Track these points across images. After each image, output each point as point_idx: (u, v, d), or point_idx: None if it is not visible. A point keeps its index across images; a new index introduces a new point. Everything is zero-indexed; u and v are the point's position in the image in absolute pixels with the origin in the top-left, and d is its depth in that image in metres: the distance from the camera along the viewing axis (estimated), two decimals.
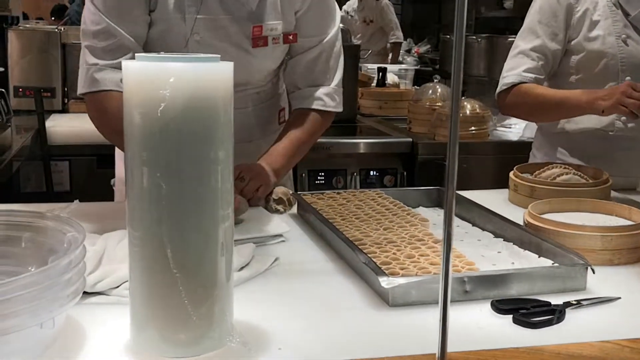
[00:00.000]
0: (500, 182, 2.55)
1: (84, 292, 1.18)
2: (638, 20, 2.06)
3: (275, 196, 1.77)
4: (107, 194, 2.15)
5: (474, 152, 3.23)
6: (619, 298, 1.26)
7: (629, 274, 1.41)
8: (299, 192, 1.83)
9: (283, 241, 1.56)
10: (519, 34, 2.15)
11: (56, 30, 3.21)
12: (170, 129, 0.95)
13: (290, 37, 1.83)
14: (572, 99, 2.00)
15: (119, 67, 1.67)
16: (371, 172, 3.21)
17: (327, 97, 1.89)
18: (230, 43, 1.76)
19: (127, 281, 1.12)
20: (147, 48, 1.75)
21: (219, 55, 1.01)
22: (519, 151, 3.29)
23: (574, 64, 2.09)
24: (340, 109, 1.94)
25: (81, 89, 1.72)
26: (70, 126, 3.05)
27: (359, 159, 3.23)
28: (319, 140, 3.08)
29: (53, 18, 8.42)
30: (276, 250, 1.48)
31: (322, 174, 3.15)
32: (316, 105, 1.89)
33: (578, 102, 1.98)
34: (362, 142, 3.25)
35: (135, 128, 0.97)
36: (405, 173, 3.21)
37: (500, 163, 3.29)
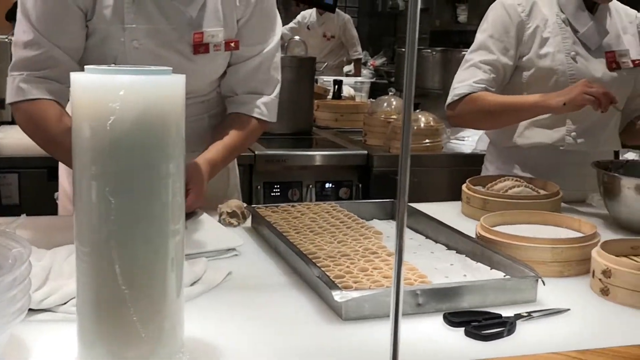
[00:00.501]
0: (454, 194, 2.57)
1: (30, 309, 1.16)
2: (586, 37, 2.09)
3: (228, 209, 1.75)
4: (57, 208, 2.12)
5: (427, 165, 3.26)
6: (569, 309, 1.28)
7: (578, 285, 1.43)
8: (253, 205, 1.82)
9: (236, 255, 1.55)
10: (471, 47, 2.17)
11: (6, 40, 3.13)
12: (120, 142, 0.94)
13: (232, 45, 1.82)
14: (527, 102, 2.02)
15: (47, 78, 1.66)
16: (327, 185, 3.21)
17: (265, 106, 1.89)
18: (171, 50, 1.75)
19: (74, 297, 1.09)
20: (85, 57, 1.72)
21: (171, 68, 1.01)
22: (472, 164, 3.32)
23: (525, 80, 2.11)
24: (274, 120, 1.93)
25: (9, 98, 1.70)
26: (19, 138, 2.97)
27: (315, 171, 3.23)
28: (274, 152, 3.12)
29: (10, 21, 8.32)
30: (229, 265, 1.46)
31: (278, 186, 3.14)
32: (256, 113, 1.87)
33: (535, 101, 1.99)
34: (317, 155, 3.24)
35: (84, 141, 0.95)
36: (360, 185, 3.22)
37: (454, 175, 3.33)
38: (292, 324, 1.21)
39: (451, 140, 3.48)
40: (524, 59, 2.10)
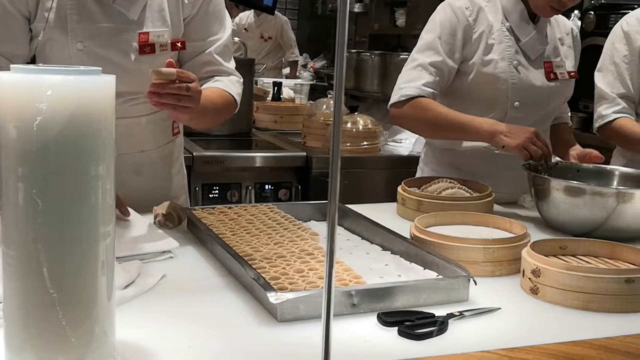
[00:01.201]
0: (392, 195, 2.59)
1: None
2: (527, 47, 2.11)
3: (164, 211, 1.73)
4: None
5: (365, 167, 3.28)
6: (499, 308, 1.30)
7: (509, 284, 1.45)
8: (188, 207, 1.80)
9: (171, 257, 1.53)
10: (417, 47, 2.15)
11: None
12: (48, 144, 0.91)
13: (179, 45, 1.81)
14: (473, 126, 1.99)
15: None
16: (266, 186, 3.21)
17: (232, 85, 1.89)
18: (116, 51, 1.73)
19: (1, 302, 1.06)
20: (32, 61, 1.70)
21: (100, 68, 0.98)
22: (409, 165, 3.35)
23: (468, 84, 2.11)
24: (239, 101, 1.93)
25: None
26: None
27: (254, 172, 3.22)
28: (213, 154, 3.09)
29: None
30: (164, 267, 1.44)
31: (217, 187, 3.12)
32: (220, 85, 1.87)
33: (478, 130, 1.98)
34: (257, 156, 3.23)
35: (11, 142, 0.93)
36: (299, 187, 3.22)
37: (391, 177, 3.35)
38: (228, 326, 1.20)
39: (389, 143, 3.51)
40: (468, 63, 2.09)
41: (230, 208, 1.80)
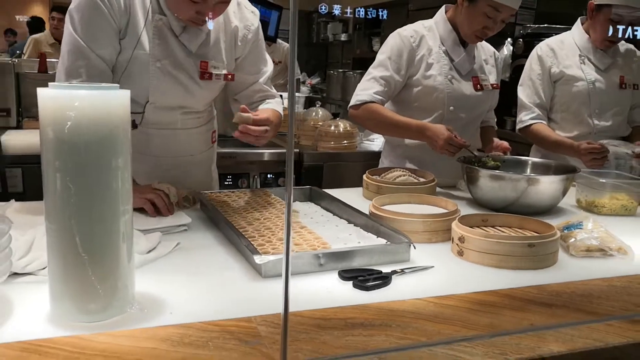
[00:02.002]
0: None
1: (16, 274, 1.13)
2: (459, 65, 2.13)
3: (182, 194, 1.74)
4: None
5: (346, 160, 3.28)
6: (433, 267, 1.31)
7: (442, 249, 1.46)
8: (201, 192, 1.80)
9: (186, 230, 1.53)
10: (373, 64, 2.17)
11: (10, 62, 3.04)
12: (76, 142, 0.92)
13: (229, 77, 1.81)
14: (411, 129, 2.03)
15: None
16: (268, 175, 3.21)
17: (278, 105, 1.89)
18: (184, 73, 1.72)
19: (47, 266, 1.07)
20: (114, 71, 1.66)
21: (118, 85, 0.99)
22: (377, 158, 3.37)
23: (414, 94, 2.12)
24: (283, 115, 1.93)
25: None
26: (22, 140, 2.90)
27: (259, 165, 3.22)
28: (228, 150, 3.09)
29: (8, 35, 8.30)
30: (179, 237, 1.45)
31: (230, 176, 3.12)
32: (278, 109, 1.87)
33: (414, 133, 2.03)
34: (261, 152, 3.23)
35: (49, 142, 0.94)
36: (295, 176, 3.22)
37: (365, 168, 3.35)
38: (224, 281, 1.21)
39: (364, 141, 3.51)
40: (413, 78, 2.11)
41: (233, 192, 1.80)
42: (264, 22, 3.66)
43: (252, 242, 1.31)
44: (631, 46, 2.50)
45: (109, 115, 0.95)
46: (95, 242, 0.97)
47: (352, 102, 2.13)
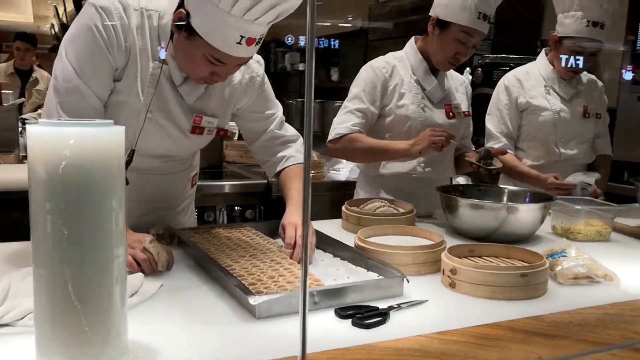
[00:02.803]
0: (334, 213, 2.58)
1: None
2: (431, 94, 2.17)
3: (158, 232, 1.68)
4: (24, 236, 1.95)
5: (313, 191, 3.26)
6: (427, 300, 1.30)
7: (432, 281, 1.45)
8: (178, 228, 1.75)
9: (167, 270, 1.48)
10: (347, 97, 2.18)
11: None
12: (71, 183, 0.88)
13: (222, 132, 1.74)
14: (392, 147, 2.06)
15: None
16: (235, 208, 3.16)
17: (298, 152, 1.83)
18: (175, 125, 1.63)
19: (31, 312, 1.01)
20: (105, 113, 1.55)
21: (112, 121, 0.95)
22: (346, 189, 3.36)
23: (387, 124, 2.15)
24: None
25: None
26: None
27: (225, 197, 3.17)
28: None
29: None
30: (161, 278, 1.40)
31: (196, 210, 3.05)
32: (293, 161, 1.82)
33: (397, 149, 2.04)
34: (227, 184, 3.19)
35: (40, 182, 0.89)
36: (262, 208, 3.18)
37: (333, 198, 3.36)
38: (215, 324, 1.16)
39: (330, 171, 3.52)
40: (386, 108, 2.14)
41: (212, 228, 1.76)
42: None
43: (243, 282, 1.27)
44: (593, 77, 2.61)
45: (105, 153, 0.91)
46: (89, 289, 0.91)
47: (331, 136, 2.14)
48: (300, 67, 8.13)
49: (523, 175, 2.43)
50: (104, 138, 0.91)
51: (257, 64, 1.76)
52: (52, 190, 0.88)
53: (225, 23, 1.37)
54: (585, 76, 2.57)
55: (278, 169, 1.84)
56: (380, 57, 2.21)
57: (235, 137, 4.20)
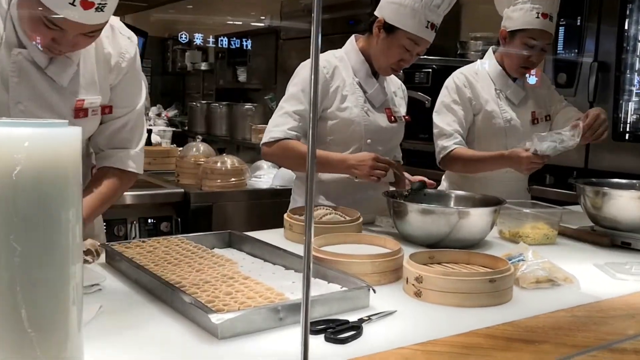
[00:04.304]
0: (260, 222, 2.54)
1: None
2: (373, 97, 2.20)
3: (83, 248, 1.58)
4: None
5: (236, 199, 3.23)
6: (396, 311, 1.32)
7: (394, 290, 1.47)
8: (105, 243, 1.66)
9: (100, 290, 1.40)
10: (284, 97, 2.16)
11: None
12: (26, 192, 0.81)
13: (107, 110, 1.70)
14: (330, 161, 2.07)
15: None
16: (149, 220, 3.05)
17: (132, 159, 1.77)
18: (53, 113, 1.56)
19: None
20: None
21: (67, 121, 0.89)
22: (269, 197, 3.36)
23: (329, 127, 2.15)
24: (140, 172, 1.81)
25: None
26: None
27: (137, 209, 3.06)
28: None
29: None
30: (96, 299, 1.32)
31: (105, 223, 2.91)
32: (120, 165, 1.75)
33: (334, 166, 2.07)
34: (137, 194, 3.07)
35: None
36: (179, 219, 3.10)
37: (255, 207, 3.34)
38: (173, 347, 1.12)
39: (252, 178, 3.48)
40: (328, 111, 2.13)
41: (144, 242, 1.68)
42: None
43: (198, 299, 1.23)
44: (538, 73, 2.68)
45: (62, 156, 0.85)
46: (44, 314, 0.85)
47: (265, 139, 2.11)
48: (203, 66, 8.01)
49: (487, 161, 2.38)
50: (61, 140, 0.86)
51: (127, 41, 1.73)
52: (1, 200, 0.81)
53: None
54: (531, 76, 2.64)
55: (103, 164, 1.77)
56: (320, 55, 2.21)
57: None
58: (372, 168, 1.98)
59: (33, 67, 1.54)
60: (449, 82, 2.52)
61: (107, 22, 1.52)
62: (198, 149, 3.49)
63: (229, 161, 3.28)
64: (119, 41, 1.70)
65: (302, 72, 2.16)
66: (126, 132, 1.76)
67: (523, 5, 2.38)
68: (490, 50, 2.59)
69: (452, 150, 2.41)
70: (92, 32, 1.49)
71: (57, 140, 0.85)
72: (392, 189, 2.13)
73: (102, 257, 1.62)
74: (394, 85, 2.38)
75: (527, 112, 2.54)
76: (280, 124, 2.11)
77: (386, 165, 1.99)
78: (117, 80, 1.71)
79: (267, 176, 3.54)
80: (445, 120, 2.45)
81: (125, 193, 3.01)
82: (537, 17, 2.36)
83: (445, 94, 2.50)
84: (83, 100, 1.60)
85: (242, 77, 7.09)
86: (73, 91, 1.60)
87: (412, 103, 2.56)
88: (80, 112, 1.61)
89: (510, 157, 2.27)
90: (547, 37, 2.41)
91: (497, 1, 2.52)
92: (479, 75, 2.52)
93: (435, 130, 2.48)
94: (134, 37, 1.75)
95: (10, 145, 0.80)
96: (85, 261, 1.56)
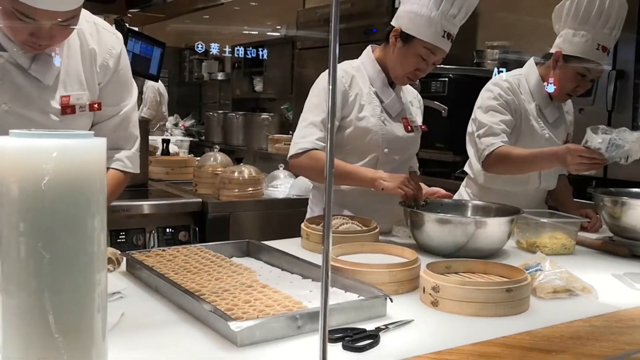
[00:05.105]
0: (276, 231, 2.55)
1: None
2: (389, 106, 2.22)
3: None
4: None
5: (253, 209, 3.26)
6: (413, 320, 1.33)
7: (411, 299, 1.49)
8: (127, 252, 1.70)
9: (121, 297, 1.43)
10: (306, 108, 2.18)
11: None
12: (54, 201, 0.84)
13: (95, 106, 1.74)
14: (358, 174, 2.07)
15: None
16: (167, 230, 3.09)
17: (128, 159, 1.83)
18: (38, 112, 1.62)
19: None
20: None
21: (93, 132, 0.92)
22: (285, 207, 3.38)
23: (346, 137, 2.17)
24: (137, 171, 1.88)
25: None
26: None
27: (155, 218, 3.09)
28: (117, 203, 2.94)
29: None
30: (118, 307, 1.35)
31: (123, 233, 2.97)
32: (116, 165, 1.81)
33: (362, 178, 2.06)
34: (156, 204, 3.11)
35: (13, 201, 0.85)
36: (197, 229, 3.13)
37: (272, 216, 3.36)
38: (194, 354, 1.14)
39: (269, 188, 3.51)
40: (346, 120, 2.16)
41: (164, 250, 1.71)
42: (145, 59, 3.60)
43: (217, 307, 1.25)
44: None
45: (89, 168, 0.88)
46: (71, 320, 0.88)
47: (293, 151, 2.12)
48: (220, 76, 8.09)
49: (537, 157, 2.25)
50: (87, 150, 0.89)
51: (113, 37, 1.77)
52: (29, 209, 0.84)
53: None
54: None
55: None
56: (338, 65, 2.23)
57: (159, 153, 4.13)
58: (403, 184, 1.97)
59: (16, 69, 1.58)
60: (494, 86, 2.43)
61: (79, 8, 1.53)
62: (215, 158, 3.52)
63: (246, 171, 3.31)
64: (104, 38, 1.74)
65: (321, 83, 2.19)
66: (122, 131, 1.81)
67: (585, 34, 2.31)
68: (532, 62, 2.51)
69: (499, 147, 2.31)
70: (67, 21, 1.50)
71: (84, 151, 0.88)
72: None
73: (123, 266, 1.66)
74: (410, 94, 2.40)
75: (562, 133, 2.49)
76: (307, 135, 2.12)
77: (417, 187, 2.00)
78: (107, 79, 1.75)
79: (283, 186, 3.57)
80: (494, 119, 2.36)
81: (144, 203, 3.08)
82: (597, 49, 2.30)
83: (492, 96, 2.40)
84: (69, 96, 1.65)
85: (258, 86, 7.16)
86: (58, 88, 1.64)
87: (428, 112, 2.57)
88: (67, 109, 1.65)
89: (559, 152, 2.16)
90: (600, 71, 2.37)
91: (555, 18, 2.43)
92: (521, 87, 2.45)
93: (480, 130, 2.37)
94: (119, 34, 1.79)
95: (39, 156, 0.83)
96: (107, 269, 1.60)
